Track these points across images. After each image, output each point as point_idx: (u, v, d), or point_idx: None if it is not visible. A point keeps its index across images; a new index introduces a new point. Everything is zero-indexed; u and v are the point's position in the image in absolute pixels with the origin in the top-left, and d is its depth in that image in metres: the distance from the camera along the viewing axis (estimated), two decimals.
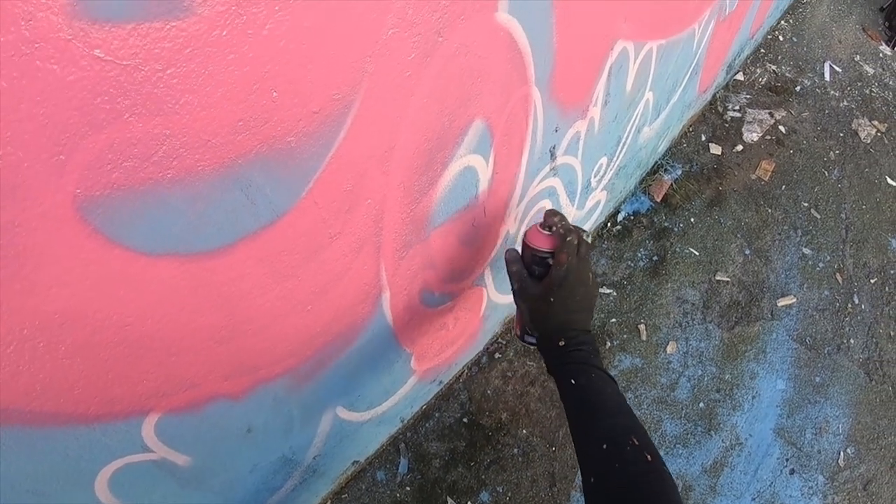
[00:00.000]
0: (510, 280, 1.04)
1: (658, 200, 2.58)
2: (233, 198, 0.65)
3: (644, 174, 2.60)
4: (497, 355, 2.13)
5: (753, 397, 2.17)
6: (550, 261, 0.99)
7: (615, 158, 1.93)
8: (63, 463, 0.73)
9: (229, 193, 0.64)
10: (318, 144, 0.70)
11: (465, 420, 2.01)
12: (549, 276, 0.98)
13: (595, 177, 1.83)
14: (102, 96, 0.46)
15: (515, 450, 1.98)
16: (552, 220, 1.00)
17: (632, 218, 2.54)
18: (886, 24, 3.87)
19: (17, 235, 0.49)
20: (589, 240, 0.97)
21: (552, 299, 0.97)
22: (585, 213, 2.02)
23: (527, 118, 1.15)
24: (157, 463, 0.88)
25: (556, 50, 1.09)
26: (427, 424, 2.00)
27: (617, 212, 2.52)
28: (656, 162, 2.68)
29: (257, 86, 0.58)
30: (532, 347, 1.25)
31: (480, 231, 1.29)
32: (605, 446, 0.85)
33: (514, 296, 1.05)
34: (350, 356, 1.17)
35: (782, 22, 3.59)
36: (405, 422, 1.94)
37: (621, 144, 1.89)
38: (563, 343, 0.96)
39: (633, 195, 2.59)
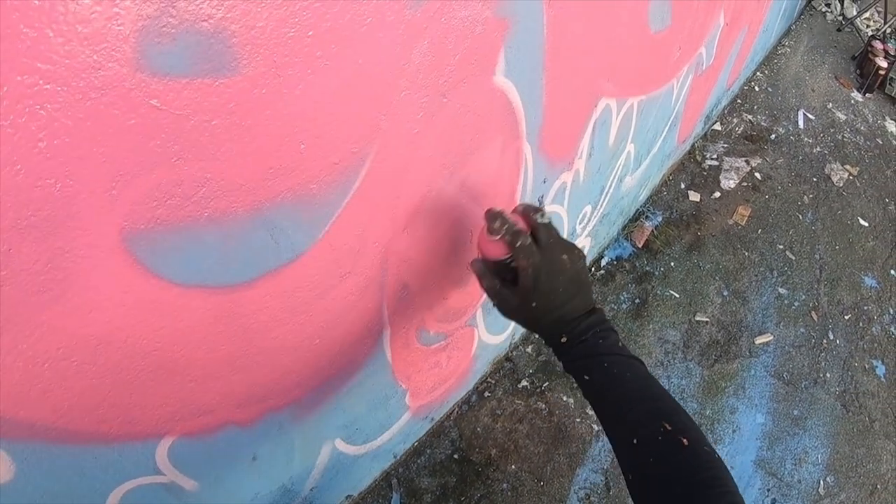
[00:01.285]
0: (488, 296, 0.93)
1: (640, 246, 2.63)
2: (259, 237, 0.69)
3: (626, 221, 2.66)
4: (486, 394, 2.13)
5: (734, 431, 2.19)
6: (514, 265, 0.87)
7: (599, 207, 1.98)
8: (79, 481, 0.73)
9: (256, 233, 0.68)
10: (337, 192, 0.75)
11: (455, 456, 2.00)
12: (519, 283, 0.86)
13: (580, 224, 1.88)
14: (155, 140, 0.51)
15: (505, 485, 1.97)
16: (494, 226, 0.86)
17: (615, 263, 2.58)
18: (858, 71, 4.02)
19: (65, 261, 0.53)
20: (546, 219, 0.87)
21: (534, 304, 0.86)
22: None
23: (518, 170, 1.21)
24: (166, 486, 0.88)
25: (544, 108, 1.16)
26: (419, 460, 1.98)
27: (601, 257, 2.57)
28: (638, 209, 2.74)
29: (288, 138, 0.63)
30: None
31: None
32: (634, 441, 0.77)
33: (499, 312, 0.93)
34: (351, 390, 1.18)
35: (758, 73, 3.73)
36: (398, 457, 1.92)
37: (605, 193, 1.94)
38: (566, 339, 0.87)
39: (615, 241, 2.64)
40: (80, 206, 0.51)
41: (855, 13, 4.42)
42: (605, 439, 2.05)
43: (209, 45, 0.50)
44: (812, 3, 4.56)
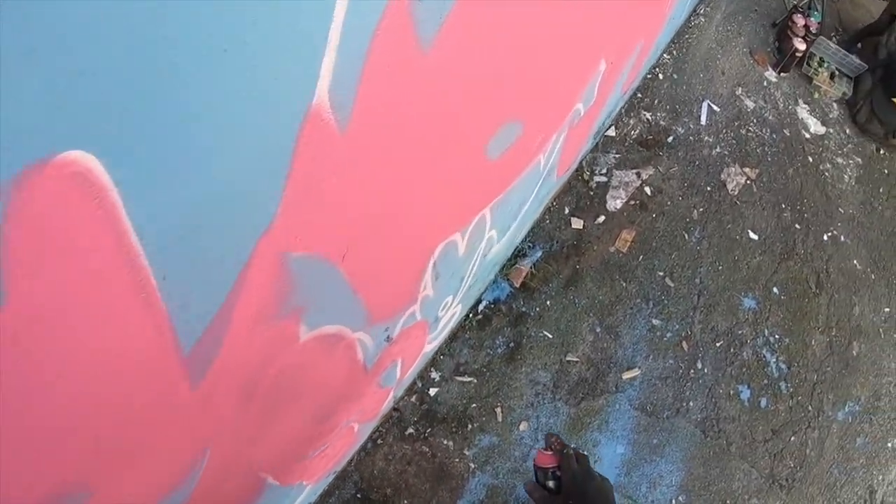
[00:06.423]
0: (531, 496, 1.29)
1: (517, 286, 2.91)
2: None
3: (504, 262, 2.89)
4: (379, 441, 2.59)
5: (595, 462, 2.56)
6: (559, 473, 1.25)
7: (462, 288, 2.24)
8: None
9: None
10: None
11: (358, 496, 2.49)
12: (563, 482, 1.23)
13: (442, 310, 2.17)
14: None
15: None
16: (550, 440, 1.28)
17: (492, 306, 2.89)
18: (776, 44, 4.22)
19: None
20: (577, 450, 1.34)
21: (571, 502, 1.20)
22: (439, 331, 2.39)
23: (356, 357, 1.48)
24: None
25: (367, 307, 1.42)
26: (329, 501, 2.44)
27: (479, 301, 2.87)
28: (517, 247, 2.96)
29: None
30: None
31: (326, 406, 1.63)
32: None
33: None
34: None
35: (665, 55, 3.81)
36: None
37: (466, 280, 2.20)
38: None
39: (494, 283, 2.90)
40: None
41: None
42: (481, 475, 2.57)
43: None
44: None
